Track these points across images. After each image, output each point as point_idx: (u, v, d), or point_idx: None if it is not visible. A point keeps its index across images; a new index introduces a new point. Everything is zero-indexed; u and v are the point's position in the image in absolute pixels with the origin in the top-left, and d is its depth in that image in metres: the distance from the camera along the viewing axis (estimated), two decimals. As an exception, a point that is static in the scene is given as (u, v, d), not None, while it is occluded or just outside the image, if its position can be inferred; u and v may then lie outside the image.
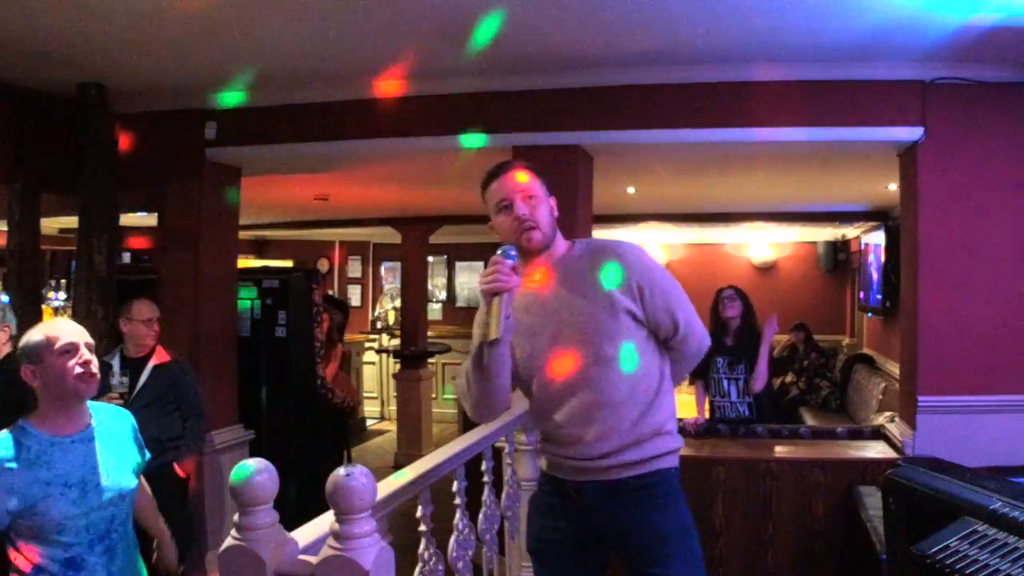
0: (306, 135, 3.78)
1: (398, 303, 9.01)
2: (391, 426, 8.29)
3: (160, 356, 3.37)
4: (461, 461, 2.50)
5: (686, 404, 4.11)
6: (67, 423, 1.92)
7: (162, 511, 2.42)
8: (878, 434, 3.79)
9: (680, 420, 3.40)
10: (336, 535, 1.34)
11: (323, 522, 1.59)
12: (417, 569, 2.10)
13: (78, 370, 1.88)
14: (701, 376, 4.11)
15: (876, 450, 3.58)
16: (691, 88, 3.43)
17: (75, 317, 3.52)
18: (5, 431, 1.87)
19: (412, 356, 7.15)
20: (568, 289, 1.88)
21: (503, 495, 2.98)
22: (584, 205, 3.68)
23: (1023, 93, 3.26)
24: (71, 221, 3.90)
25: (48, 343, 1.88)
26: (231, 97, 2.91)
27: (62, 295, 5.89)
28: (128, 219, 5.06)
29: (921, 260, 3.33)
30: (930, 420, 3.28)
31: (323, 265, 9.83)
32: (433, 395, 7.70)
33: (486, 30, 2.75)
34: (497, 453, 3.07)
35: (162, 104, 3.83)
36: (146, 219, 4.52)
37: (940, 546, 1.62)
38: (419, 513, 2.14)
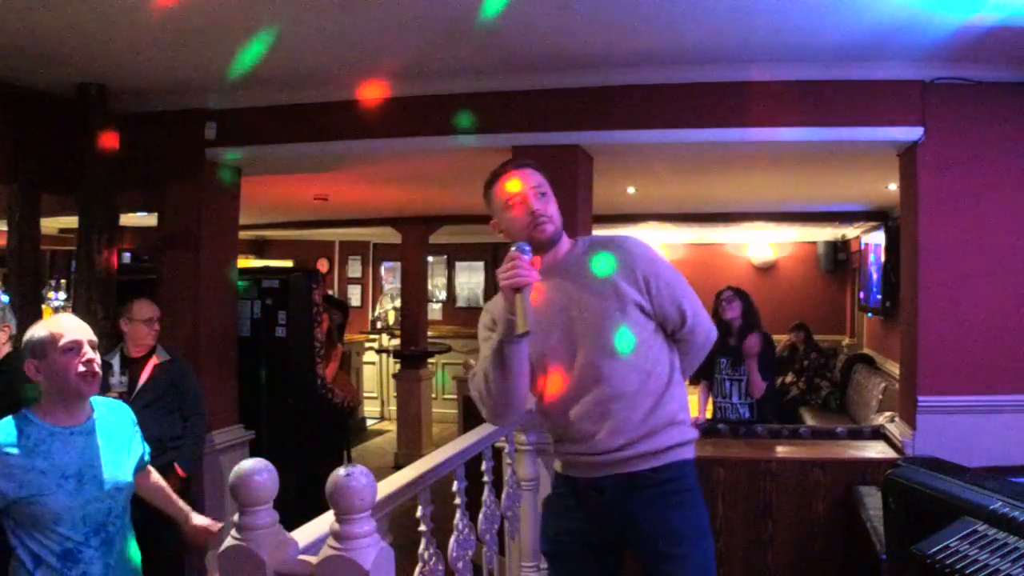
0: (306, 135, 3.78)
1: (398, 303, 9.02)
2: (391, 426, 8.29)
3: (160, 356, 3.37)
4: (461, 461, 2.50)
5: (689, 404, 4.11)
6: (68, 416, 1.95)
7: (163, 511, 2.42)
8: (878, 434, 3.79)
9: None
10: (336, 535, 1.34)
11: (323, 522, 1.60)
12: (417, 569, 2.10)
13: (81, 368, 1.91)
14: (706, 376, 4.12)
15: (876, 450, 3.57)
16: (691, 88, 3.43)
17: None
18: (8, 418, 1.91)
19: (412, 356, 7.15)
20: (576, 286, 1.89)
21: (503, 495, 2.98)
22: (584, 205, 3.68)
23: (1023, 93, 3.26)
24: (71, 221, 3.90)
25: (52, 340, 1.91)
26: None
27: (62, 295, 5.90)
28: (128, 219, 5.06)
29: (921, 260, 3.33)
30: (930, 420, 3.28)
31: (323, 265, 9.84)
32: (433, 395, 7.70)
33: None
34: (497, 453, 3.07)
35: (162, 104, 3.83)
36: (146, 219, 4.52)
37: (940, 546, 1.62)
38: (419, 513, 2.15)
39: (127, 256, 5.80)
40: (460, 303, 9.86)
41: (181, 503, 2.38)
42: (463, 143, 3.61)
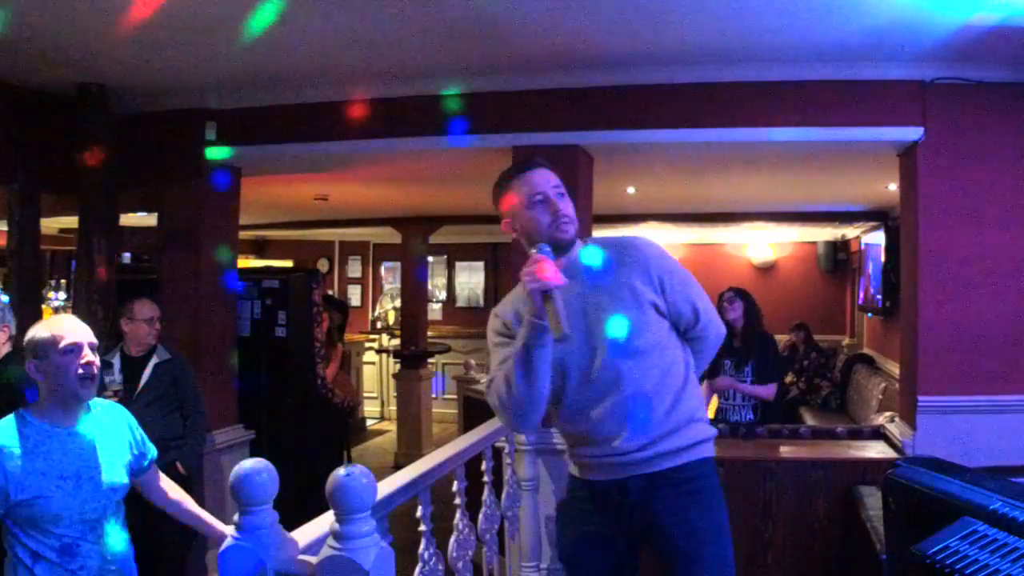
0: (306, 135, 3.78)
1: (398, 303, 9.02)
2: (391, 426, 8.29)
3: (161, 355, 3.38)
4: (461, 461, 2.50)
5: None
6: (65, 416, 1.98)
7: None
8: (878, 434, 3.78)
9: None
10: (336, 535, 1.34)
11: (323, 522, 1.60)
12: (417, 569, 2.10)
13: (80, 371, 1.95)
14: (712, 376, 4.11)
15: (876, 450, 3.57)
16: (691, 88, 3.43)
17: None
18: (5, 419, 1.93)
19: (412, 356, 7.15)
20: (591, 287, 1.87)
21: (503, 495, 2.99)
22: (584, 205, 3.68)
23: (1023, 93, 3.26)
24: (71, 221, 3.90)
25: (53, 341, 1.94)
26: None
27: (62, 295, 5.90)
28: (128, 219, 5.06)
29: (921, 260, 3.33)
30: (930, 420, 3.28)
31: (323, 265, 9.84)
32: (433, 395, 7.70)
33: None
34: (497, 453, 3.07)
35: (162, 104, 3.83)
36: (146, 219, 4.52)
37: (940, 546, 1.62)
38: (419, 513, 2.15)
39: (127, 256, 5.80)
40: (460, 303, 9.86)
41: (195, 509, 2.27)
42: (463, 143, 3.61)
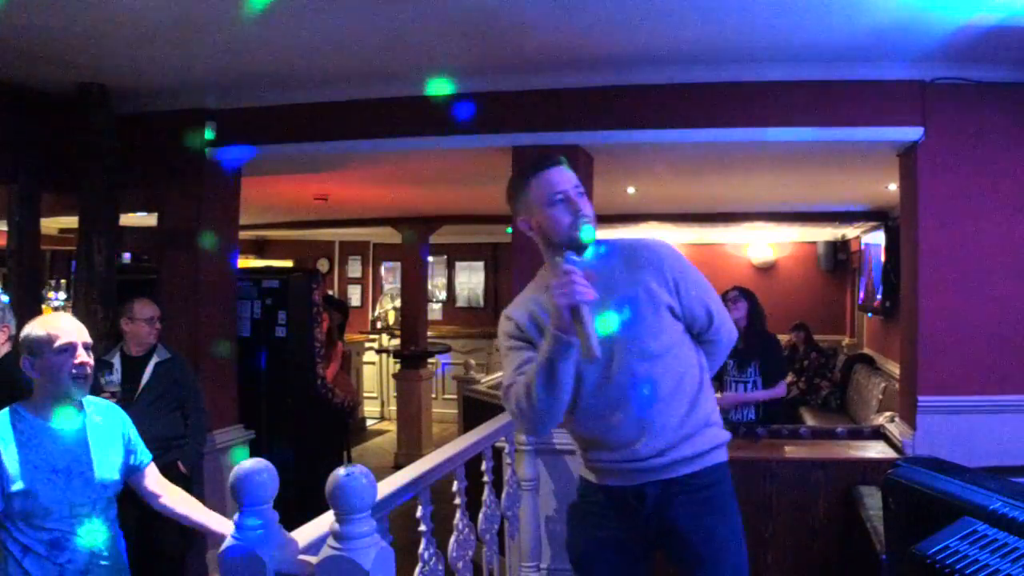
0: (306, 135, 3.78)
1: (398, 303, 9.02)
2: (391, 426, 8.28)
3: (161, 354, 3.38)
4: (461, 461, 2.50)
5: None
6: (57, 413, 2.00)
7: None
8: (878, 434, 3.78)
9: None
10: (336, 535, 1.34)
11: (323, 522, 1.60)
12: (417, 569, 2.10)
13: (73, 371, 1.97)
14: (716, 377, 4.09)
15: (876, 450, 3.57)
16: (691, 88, 3.43)
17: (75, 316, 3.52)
18: (3, 411, 1.97)
19: (412, 356, 7.15)
20: (606, 290, 1.81)
21: (503, 495, 2.99)
22: (584, 205, 3.69)
23: (1023, 93, 3.26)
24: (71, 221, 3.90)
25: (49, 340, 1.96)
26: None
27: (62, 295, 5.89)
28: (128, 219, 5.06)
29: (921, 260, 3.33)
30: (930, 420, 3.28)
31: (323, 265, 9.84)
32: (433, 395, 7.70)
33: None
34: (497, 453, 3.07)
35: (162, 104, 3.83)
36: (146, 219, 4.52)
37: (940, 546, 1.62)
38: (419, 513, 2.15)
39: (127, 256, 5.80)
40: (460, 303, 9.86)
41: (198, 513, 2.19)
42: (463, 143, 3.60)
